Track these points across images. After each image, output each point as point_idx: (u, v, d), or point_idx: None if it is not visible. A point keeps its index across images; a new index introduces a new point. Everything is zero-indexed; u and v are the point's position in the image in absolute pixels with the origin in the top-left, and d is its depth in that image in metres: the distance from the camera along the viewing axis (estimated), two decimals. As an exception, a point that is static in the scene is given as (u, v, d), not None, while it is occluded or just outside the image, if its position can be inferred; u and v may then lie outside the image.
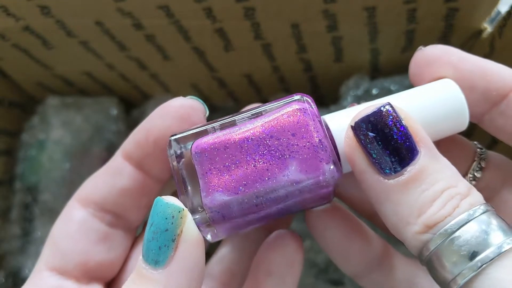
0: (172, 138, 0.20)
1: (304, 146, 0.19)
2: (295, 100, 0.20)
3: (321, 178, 0.19)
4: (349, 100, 0.37)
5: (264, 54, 0.36)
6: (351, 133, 0.19)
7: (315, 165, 0.19)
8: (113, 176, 0.23)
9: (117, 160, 0.24)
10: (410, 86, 0.36)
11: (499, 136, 0.22)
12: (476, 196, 0.18)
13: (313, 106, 0.20)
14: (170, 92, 0.42)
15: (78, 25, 0.33)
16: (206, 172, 0.19)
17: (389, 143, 0.18)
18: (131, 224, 0.24)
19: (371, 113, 0.18)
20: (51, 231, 0.23)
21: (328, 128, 0.20)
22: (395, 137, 0.18)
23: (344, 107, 0.37)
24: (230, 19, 0.32)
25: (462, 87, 0.21)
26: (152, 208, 0.18)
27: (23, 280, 0.38)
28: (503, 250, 0.16)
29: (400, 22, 0.32)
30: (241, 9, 0.31)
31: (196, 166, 0.19)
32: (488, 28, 0.32)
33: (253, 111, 0.20)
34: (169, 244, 0.17)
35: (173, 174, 0.20)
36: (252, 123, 0.20)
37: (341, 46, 0.35)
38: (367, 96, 0.36)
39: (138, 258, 0.18)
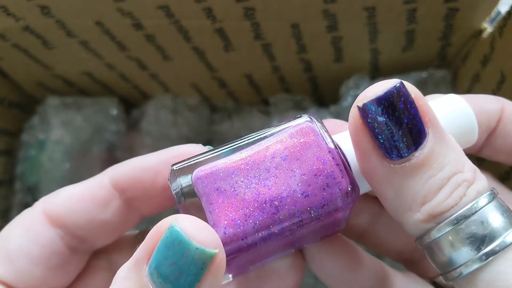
0: (175, 167, 0.18)
1: (317, 168, 0.18)
2: (303, 120, 0.19)
3: (338, 202, 0.18)
4: (349, 100, 0.37)
5: (264, 54, 0.36)
6: (357, 114, 0.17)
7: (330, 188, 0.17)
8: (97, 207, 0.21)
9: (105, 188, 0.22)
10: (410, 86, 0.36)
11: (498, 157, 0.22)
12: (482, 182, 0.17)
13: (322, 126, 0.19)
14: (170, 92, 0.42)
15: (78, 25, 0.33)
16: (211, 203, 0.17)
17: (399, 127, 0.17)
18: (94, 247, 0.23)
19: (382, 95, 0.16)
20: (8, 235, 0.21)
21: (339, 148, 0.19)
22: (405, 121, 0.17)
23: (344, 107, 0.37)
24: (230, 19, 0.32)
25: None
26: (170, 244, 0.15)
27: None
28: (509, 242, 0.16)
29: (400, 22, 0.32)
30: (241, 9, 0.31)
31: (200, 197, 0.18)
32: (488, 28, 0.32)
33: (258, 136, 0.19)
34: (193, 284, 0.15)
35: (179, 209, 0.18)
36: (258, 146, 0.18)
37: (341, 46, 0.35)
38: (367, 96, 0.37)
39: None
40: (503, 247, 0.16)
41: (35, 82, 0.41)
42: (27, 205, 0.39)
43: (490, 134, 0.22)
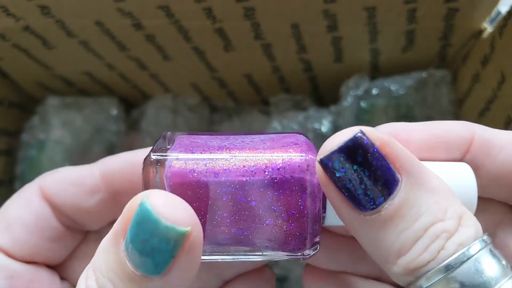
0: (154, 157, 0.18)
1: (290, 209, 0.17)
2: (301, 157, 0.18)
3: (298, 255, 0.18)
4: (349, 100, 0.37)
5: (264, 54, 0.36)
6: (320, 168, 0.16)
7: (294, 239, 0.18)
8: (83, 194, 0.22)
9: (94, 178, 0.22)
10: (411, 86, 0.36)
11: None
12: (468, 231, 0.16)
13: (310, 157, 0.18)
14: (170, 92, 0.42)
15: (78, 25, 0.33)
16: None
17: (362, 180, 0.16)
18: (87, 228, 0.23)
19: (337, 149, 0.16)
20: (8, 206, 0.22)
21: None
22: (367, 173, 0.15)
23: (344, 107, 0.37)
24: (230, 19, 0.32)
25: (423, 157, 0.19)
26: (140, 221, 0.15)
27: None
28: None
29: (400, 22, 0.32)
30: (241, 9, 0.31)
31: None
32: (488, 28, 0.32)
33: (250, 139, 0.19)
34: (168, 260, 0.15)
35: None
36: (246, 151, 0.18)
37: (341, 46, 0.35)
38: (367, 96, 0.36)
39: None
40: None
41: (35, 82, 0.41)
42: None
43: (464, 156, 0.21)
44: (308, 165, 0.18)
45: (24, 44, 0.35)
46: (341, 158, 0.16)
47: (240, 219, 0.18)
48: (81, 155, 0.40)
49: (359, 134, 0.16)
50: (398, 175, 0.16)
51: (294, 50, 0.35)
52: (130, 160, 0.22)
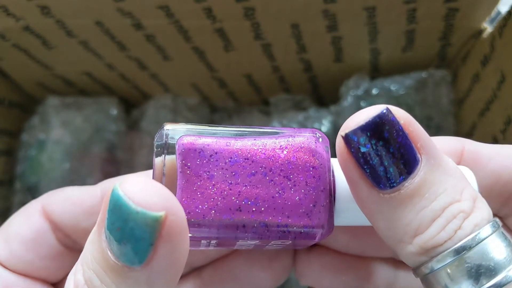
0: (166, 128, 0.17)
1: (303, 191, 0.17)
2: (315, 137, 0.18)
3: (310, 231, 0.17)
4: (349, 100, 0.37)
5: (264, 54, 0.36)
6: (342, 143, 0.16)
7: (307, 218, 0.17)
8: (83, 214, 0.22)
9: (94, 198, 0.22)
10: (411, 86, 0.36)
11: None
12: (482, 213, 0.16)
13: (328, 149, 0.18)
14: (170, 92, 0.42)
15: (78, 25, 0.33)
16: (188, 175, 0.17)
17: (386, 157, 0.16)
18: None
19: (364, 125, 0.16)
20: (11, 220, 0.22)
21: (332, 172, 0.18)
22: (391, 150, 0.16)
23: (344, 107, 0.37)
24: (230, 19, 0.32)
25: None
26: (111, 204, 0.14)
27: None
28: (510, 280, 0.15)
29: (400, 22, 0.32)
30: (241, 9, 0.31)
31: (178, 166, 0.17)
32: (488, 28, 0.32)
33: (262, 130, 0.18)
34: (147, 248, 0.14)
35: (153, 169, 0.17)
36: (258, 142, 0.18)
37: (341, 46, 0.35)
38: (367, 96, 0.36)
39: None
40: (507, 283, 0.15)
41: (35, 82, 0.41)
42: (27, 205, 0.39)
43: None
44: (317, 140, 0.18)
45: (24, 44, 0.35)
46: (368, 134, 0.16)
47: (252, 189, 0.17)
48: (81, 155, 0.40)
49: (384, 112, 0.16)
50: (418, 155, 0.16)
51: (294, 50, 0.35)
52: None
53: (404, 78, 0.36)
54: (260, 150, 0.18)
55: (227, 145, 0.17)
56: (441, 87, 0.36)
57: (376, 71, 0.38)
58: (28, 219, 0.22)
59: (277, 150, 0.18)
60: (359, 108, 0.37)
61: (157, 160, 0.17)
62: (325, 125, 0.38)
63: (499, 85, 0.30)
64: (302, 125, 0.38)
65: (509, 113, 0.28)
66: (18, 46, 0.35)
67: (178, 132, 0.18)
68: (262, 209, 0.17)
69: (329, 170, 0.18)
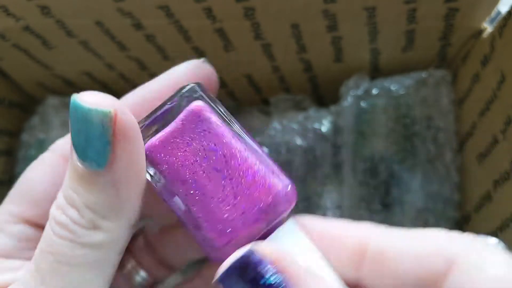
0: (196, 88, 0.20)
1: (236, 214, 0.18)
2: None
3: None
4: (349, 100, 0.37)
5: (264, 54, 0.36)
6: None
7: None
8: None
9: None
10: (411, 86, 0.36)
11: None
12: None
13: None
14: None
15: (78, 25, 0.33)
16: (176, 128, 0.18)
17: None
18: None
19: (228, 268, 0.16)
20: (32, 178, 0.22)
21: None
22: None
23: (344, 107, 0.37)
24: (230, 19, 0.32)
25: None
26: (71, 112, 0.16)
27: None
28: None
29: (400, 22, 0.32)
30: (241, 9, 0.31)
31: (178, 117, 0.19)
32: (488, 28, 0.32)
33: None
34: (105, 147, 0.16)
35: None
36: (249, 156, 0.18)
37: (341, 46, 0.35)
38: (367, 96, 0.36)
39: None
40: None
41: (35, 82, 0.41)
42: (27, 205, 0.39)
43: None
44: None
45: (24, 44, 0.35)
46: (233, 277, 0.15)
47: (205, 179, 0.18)
48: (81, 155, 0.40)
49: (247, 253, 0.16)
50: None
51: (294, 50, 0.35)
52: (145, 95, 0.22)
53: (404, 78, 0.36)
54: (240, 160, 0.18)
55: (222, 135, 0.18)
56: (441, 87, 0.36)
57: (376, 71, 0.38)
58: (53, 175, 0.22)
59: (249, 171, 0.18)
60: (359, 108, 0.37)
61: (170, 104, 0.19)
62: (325, 125, 0.38)
63: (499, 85, 0.30)
64: (302, 125, 0.38)
65: (509, 113, 0.28)
66: (18, 46, 0.35)
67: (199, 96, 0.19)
68: (196, 198, 0.18)
69: None
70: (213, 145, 0.18)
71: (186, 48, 0.35)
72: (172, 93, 0.20)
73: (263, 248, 0.16)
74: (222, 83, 0.40)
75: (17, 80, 0.41)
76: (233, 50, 0.35)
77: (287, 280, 0.15)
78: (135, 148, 0.17)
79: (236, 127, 0.19)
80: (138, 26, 0.32)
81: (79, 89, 0.42)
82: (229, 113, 0.19)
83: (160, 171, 0.18)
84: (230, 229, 0.17)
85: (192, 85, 0.20)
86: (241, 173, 0.18)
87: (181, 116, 0.19)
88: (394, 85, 0.36)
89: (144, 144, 0.18)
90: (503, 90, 0.29)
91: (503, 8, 0.30)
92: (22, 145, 0.40)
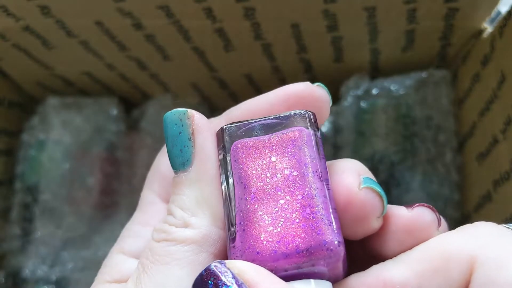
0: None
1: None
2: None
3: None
4: (349, 100, 0.37)
5: (264, 54, 0.36)
6: None
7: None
8: None
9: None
10: (411, 86, 0.36)
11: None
12: None
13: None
14: (170, 92, 0.42)
15: (78, 25, 0.33)
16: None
17: None
18: None
19: (194, 282, 0.16)
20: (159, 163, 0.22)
21: None
22: None
23: (344, 107, 0.37)
24: (230, 19, 0.32)
25: None
26: (163, 124, 0.19)
27: (23, 280, 0.38)
28: None
29: (400, 22, 0.32)
30: (241, 9, 0.31)
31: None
32: (488, 28, 0.32)
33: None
34: (187, 143, 0.18)
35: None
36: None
37: (341, 46, 0.35)
38: (367, 96, 0.37)
39: None
40: None
41: (35, 82, 0.41)
42: (27, 205, 0.39)
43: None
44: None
45: (24, 44, 0.35)
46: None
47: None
48: (81, 155, 0.40)
49: (212, 264, 0.16)
50: None
51: (294, 50, 0.35)
52: (251, 109, 0.22)
53: (404, 78, 0.36)
54: (305, 194, 0.17)
55: (303, 165, 0.18)
56: (441, 87, 0.36)
57: (376, 71, 0.38)
58: None
59: (307, 209, 0.17)
60: (359, 108, 0.37)
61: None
62: (325, 125, 0.38)
63: (499, 85, 0.30)
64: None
65: (509, 113, 0.28)
66: (18, 46, 0.35)
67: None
68: (248, 206, 0.18)
69: None
70: (289, 169, 0.18)
71: (186, 48, 0.35)
72: (285, 112, 0.20)
73: (232, 262, 0.16)
74: (222, 83, 0.40)
75: (17, 80, 0.41)
76: (233, 50, 0.35)
77: None
78: (210, 140, 0.19)
79: (322, 166, 0.18)
80: (138, 26, 0.32)
81: (79, 89, 0.42)
82: (322, 151, 0.19)
83: (234, 167, 0.18)
84: (258, 251, 0.17)
85: (305, 112, 0.20)
86: (298, 205, 0.17)
87: (279, 133, 0.19)
88: (394, 85, 0.36)
89: (237, 139, 0.19)
90: (503, 90, 0.29)
91: (503, 8, 0.30)
92: (22, 145, 0.40)
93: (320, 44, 0.35)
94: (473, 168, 0.34)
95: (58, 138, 0.40)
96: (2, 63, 0.38)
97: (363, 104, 0.36)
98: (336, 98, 0.39)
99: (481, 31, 0.33)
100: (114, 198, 0.40)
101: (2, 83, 0.40)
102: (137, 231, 0.21)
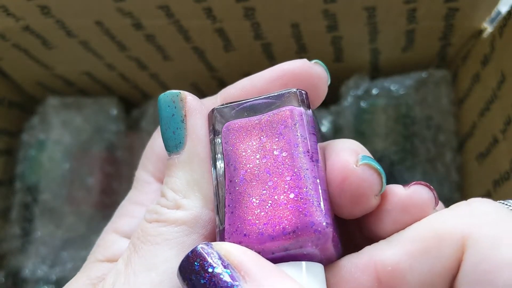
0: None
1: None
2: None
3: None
4: (349, 100, 0.37)
5: (264, 54, 0.36)
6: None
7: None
8: None
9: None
10: (411, 86, 0.36)
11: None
12: None
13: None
14: (170, 92, 0.42)
15: (78, 25, 0.33)
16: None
17: None
18: None
19: (180, 264, 0.16)
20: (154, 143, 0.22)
21: None
22: (202, 282, 0.15)
23: (344, 107, 0.37)
24: (230, 19, 0.32)
25: None
26: (158, 106, 0.20)
27: (23, 280, 0.38)
28: None
29: (400, 22, 0.32)
30: (241, 9, 0.31)
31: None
32: (488, 28, 0.32)
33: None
34: (180, 125, 0.19)
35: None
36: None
37: (341, 46, 0.35)
38: (367, 96, 0.37)
39: None
40: None
41: (35, 82, 0.41)
42: (27, 205, 0.39)
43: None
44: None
45: (24, 44, 0.35)
46: (182, 274, 0.15)
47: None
48: (81, 155, 0.40)
49: (199, 246, 0.15)
50: (237, 282, 0.15)
51: (294, 50, 0.35)
52: (246, 87, 0.22)
53: (404, 78, 0.36)
54: (294, 176, 0.17)
55: (293, 146, 0.17)
56: (441, 87, 0.36)
57: (376, 71, 0.38)
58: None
59: (295, 190, 0.17)
60: (359, 108, 0.37)
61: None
62: (325, 125, 0.38)
63: (499, 85, 0.30)
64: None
65: (509, 113, 0.28)
66: (18, 46, 0.35)
67: None
68: (236, 188, 0.18)
69: None
70: (279, 150, 0.17)
71: (186, 48, 0.35)
72: (276, 91, 0.19)
73: (220, 243, 0.16)
74: (222, 83, 0.40)
75: (17, 80, 0.41)
76: (233, 50, 0.35)
77: (226, 276, 0.15)
78: (201, 122, 0.19)
79: (314, 147, 0.18)
80: (138, 26, 0.32)
81: (79, 89, 0.42)
82: (314, 130, 0.18)
83: (224, 149, 0.18)
84: (245, 233, 0.16)
85: (296, 90, 0.19)
86: (286, 186, 0.17)
87: (270, 113, 0.18)
88: (394, 85, 0.36)
89: (228, 120, 0.19)
90: (503, 90, 0.29)
91: (503, 8, 0.30)
92: (22, 145, 0.40)
93: (320, 44, 0.35)
94: (473, 168, 0.34)
95: (58, 138, 0.40)
96: (2, 63, 0.38)
97: (363, 104, 0.36)
98: (336, 98, 0.39)
99: (481, 31, 0.33)
100: (114, 198, 0.40)
101: (2, 83, 0.40)
102: (132, 210, 0.21)
